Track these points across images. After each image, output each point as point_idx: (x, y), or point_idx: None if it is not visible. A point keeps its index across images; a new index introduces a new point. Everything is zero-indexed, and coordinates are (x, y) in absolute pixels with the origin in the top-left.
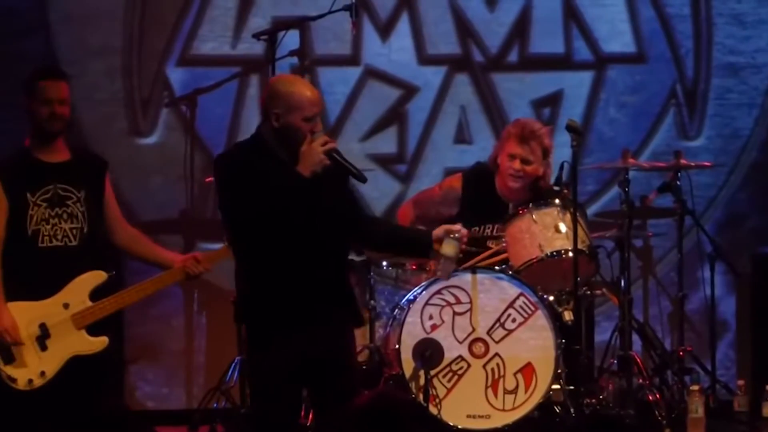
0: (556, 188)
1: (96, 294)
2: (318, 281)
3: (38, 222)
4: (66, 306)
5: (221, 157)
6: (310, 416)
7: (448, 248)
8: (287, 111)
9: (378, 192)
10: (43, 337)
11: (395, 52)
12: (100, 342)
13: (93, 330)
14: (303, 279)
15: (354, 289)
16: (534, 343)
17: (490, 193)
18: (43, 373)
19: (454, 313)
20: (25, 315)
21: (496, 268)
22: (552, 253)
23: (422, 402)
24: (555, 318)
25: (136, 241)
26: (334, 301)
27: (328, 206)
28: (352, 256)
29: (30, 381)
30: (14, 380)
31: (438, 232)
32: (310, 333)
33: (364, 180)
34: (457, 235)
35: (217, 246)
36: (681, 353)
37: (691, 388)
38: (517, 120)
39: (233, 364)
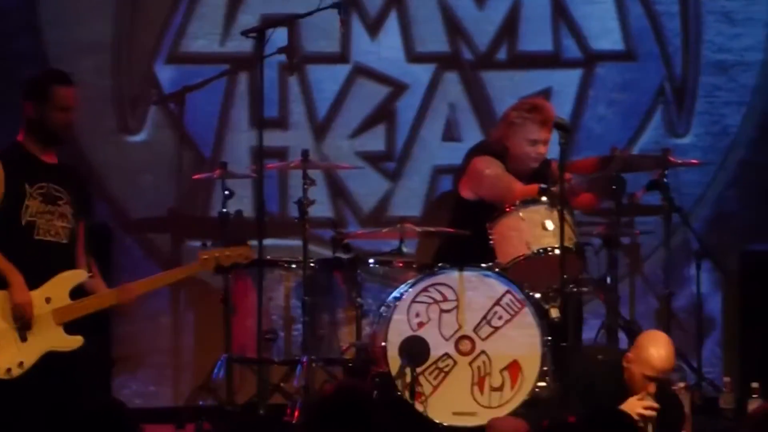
0: (543, 186)
1: (75, 292)
2: None
3: (33, 214)
4: (48, 300)
5: None
6: (296, 414)
7: None
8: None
9: (366, 189)
10: (24, 328)
11: (384, 50)
12: (75, 341)
13: (79, 327)
14: None
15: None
16: (520, 341)
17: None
18: (21, 364)
19: (441, 311)
20: (10, 303)
21: (483, 265)
22: (539, 250)
23: (409, 399)
24: (542, 315)
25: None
26: None
27: None
28: (339, 254)
29: (8, 370)
30: None
31: None
32: None
33: None
34: None
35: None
36: None
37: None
38: (530, 103)
39: (220, 362)
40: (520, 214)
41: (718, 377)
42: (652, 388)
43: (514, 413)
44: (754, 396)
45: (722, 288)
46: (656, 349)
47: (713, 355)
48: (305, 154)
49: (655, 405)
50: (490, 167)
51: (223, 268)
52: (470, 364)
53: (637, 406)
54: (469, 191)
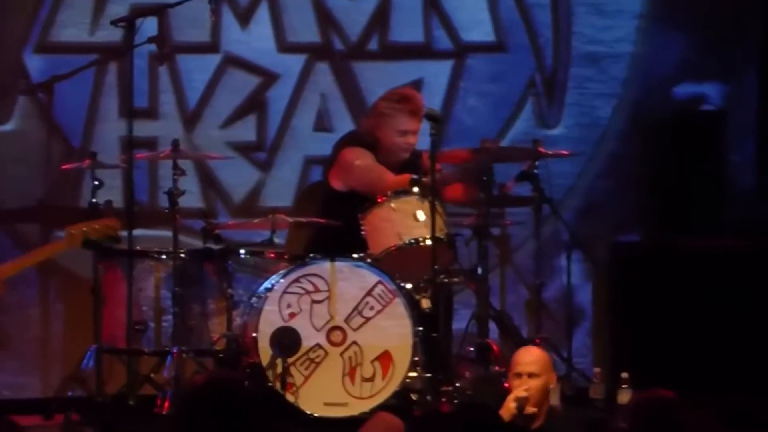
0: (414, 177)
1: None
2: None
3: None
4: None
5: None
6: (166, 405)
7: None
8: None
9: (237, 179)
10: None
11: (255, 40)
12: None
13: None
14: None
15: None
16: (392, 331)
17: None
18: None
19: (313, 302)
20: None
21: (354, 256)
22: (410, 241)
23: (280, 390)
24: (413, 306)
25: None
26: None
27: None
28: (210, 244)
29: None
30: None
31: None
32: None
33: None
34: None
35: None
36: (538, 341)
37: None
38: (399, 94)
39: (89, 353)
40: (392, 204)
41: (588, 367)
42: (524, 383)
43: (386, 403)
44: (623, 386)
45: (592, 279)
46: (518, 352)
47: (583, 345)
48: (175, 144)
49: (526, 387)
50: (360, 158)
51: (91, 242)
52: (341, 354)
53: (511, 397)
54: (340, 182)
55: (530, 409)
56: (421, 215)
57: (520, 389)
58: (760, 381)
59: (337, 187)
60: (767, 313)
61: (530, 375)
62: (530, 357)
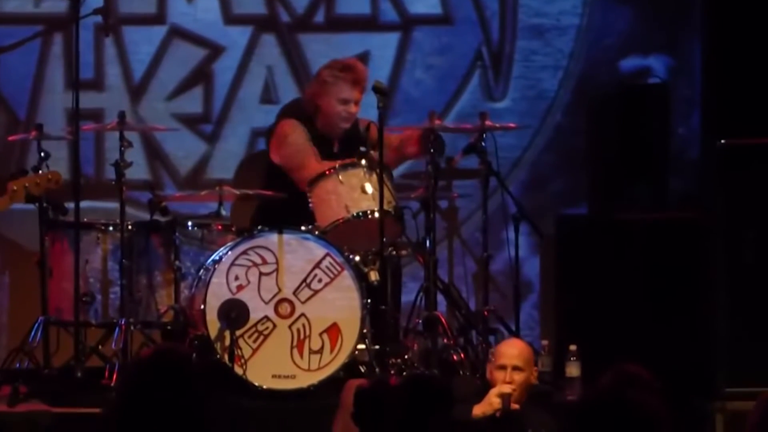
0: (362, 149)
1: None
2: None
3: None
4: None
5: None
6: (114, 377)
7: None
8: None
9: (183, 152)
10: None
11: (201, 12)
12: None
13: None
14: None
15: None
16: (340, 303)
17: (316, 131)
18: None
19: (261, 274)
20: None
21: (302, 228)
22: (358, 213)
23: (228, 362)
24: (361, 278)
25: None
26: None
27: None
28: (157, 216)
29: None
30: None
31: None
32: None
33: None
34: None
35: None
36: (485, 313)
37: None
38: (342, 63)
39: (36, 325)
40: (339, 177)
41: (536, 340)
42: (507, 377)
43: (334, 376)
44: (572, 359)
45: (539, 251)
46: (502, 344)
47: (531, 318)
48: (122, 115)
49: (510, 381)
50: (294, 133)
51: (34, 197)
52: (290, 327)
53: (494, 392)
54: (275, 154)
55: (514, 406)
56: (369, 188)
57: (505, 385)
58: (702, 354)
59: (274, 160)
60: (712, 286)
61: (515, 368)
62: (515, 350)
